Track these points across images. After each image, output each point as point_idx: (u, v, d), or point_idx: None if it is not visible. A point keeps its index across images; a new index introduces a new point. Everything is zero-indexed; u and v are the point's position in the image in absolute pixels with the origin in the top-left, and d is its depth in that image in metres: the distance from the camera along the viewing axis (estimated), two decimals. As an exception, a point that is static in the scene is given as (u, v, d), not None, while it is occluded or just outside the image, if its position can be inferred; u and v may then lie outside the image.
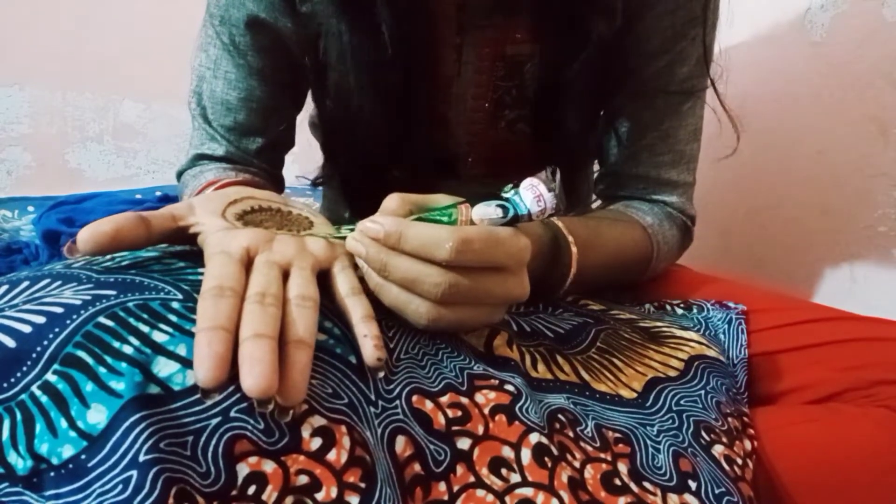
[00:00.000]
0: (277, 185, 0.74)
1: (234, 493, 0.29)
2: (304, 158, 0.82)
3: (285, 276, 0.36)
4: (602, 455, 0.40)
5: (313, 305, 0.34)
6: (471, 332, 0.44)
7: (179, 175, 0.73)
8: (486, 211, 0.40)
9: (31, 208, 1.08)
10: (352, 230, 0.41)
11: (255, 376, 0.29)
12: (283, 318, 0.33)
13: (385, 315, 0.41)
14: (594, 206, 0.79)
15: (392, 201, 0.42)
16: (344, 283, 0.38)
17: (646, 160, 0.69)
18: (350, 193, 0.72)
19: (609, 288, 0.64)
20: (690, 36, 0.64)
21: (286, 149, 0.74)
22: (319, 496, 0.30)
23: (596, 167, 0.79)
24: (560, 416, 0.41)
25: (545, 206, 0.40)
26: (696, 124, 0.69)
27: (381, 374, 0.36)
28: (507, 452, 0.37)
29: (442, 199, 0.43)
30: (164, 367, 0.31)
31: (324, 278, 0.39)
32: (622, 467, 0.40)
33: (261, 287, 0.34)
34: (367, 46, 0.59)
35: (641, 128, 0.68)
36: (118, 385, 0.29)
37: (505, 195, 0.41)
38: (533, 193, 0.40)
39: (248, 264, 0.36)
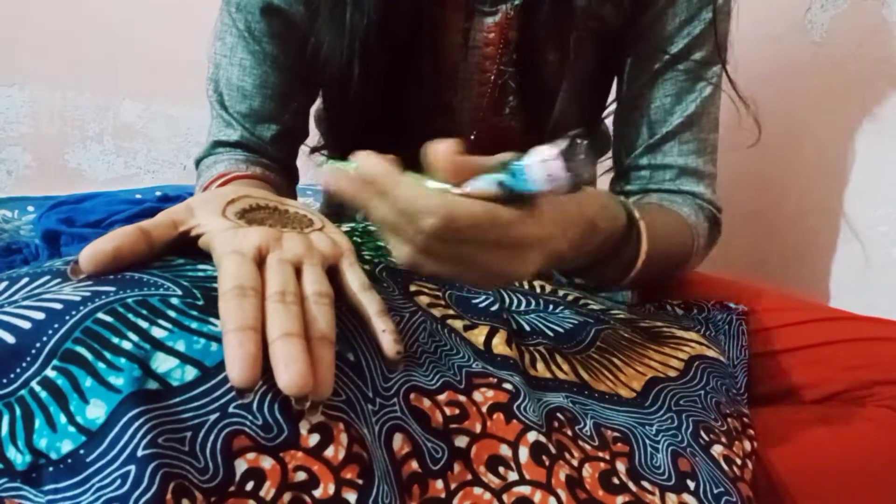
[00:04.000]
0: (291, 176, 0.74)
1: (232, 488, 0.29)
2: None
3: (297, 273, 0.36)
4: (600, 454, 0.40)
5: (329, 302, 0.35)
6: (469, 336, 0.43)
7: (198, 162, 0.73)
8: (484, 188, 0.36)
9: (31, 208, 1.08)
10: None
11: (292, 374, 0.29)
12: (303, 315, 0.33)
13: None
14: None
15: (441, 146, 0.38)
16: (354, 279, 0.39)
17: (671, 149, 0.67)
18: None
19: (650, 286, 0.63)
20: (706, 19, 0.64)
21: (301, 138, 0.74)
22: (317, 493, 0.30)
23: (604, 166, 0.78)
24: (559, 414, 0.41)
25: (558, 184, 0.34)
26: (715, 114, 0.69)
27: (400, 368, 0.36)
28: (505, 451, 0.37)
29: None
30: (162, 363, 0.31)
31: (330, 275, 0.39)
32: (620, 466, 0.40)
33: (280, 286, 0.34)
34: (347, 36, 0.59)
35: (664, 114, 0.67)
36: (117, 380, 0.29)
37: (511, 165, 0.36)
38: (545, 171, 0.34)
39: (259, 263, 0.36)
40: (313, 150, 0.75)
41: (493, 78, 0.65)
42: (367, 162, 0.39)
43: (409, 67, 0.62)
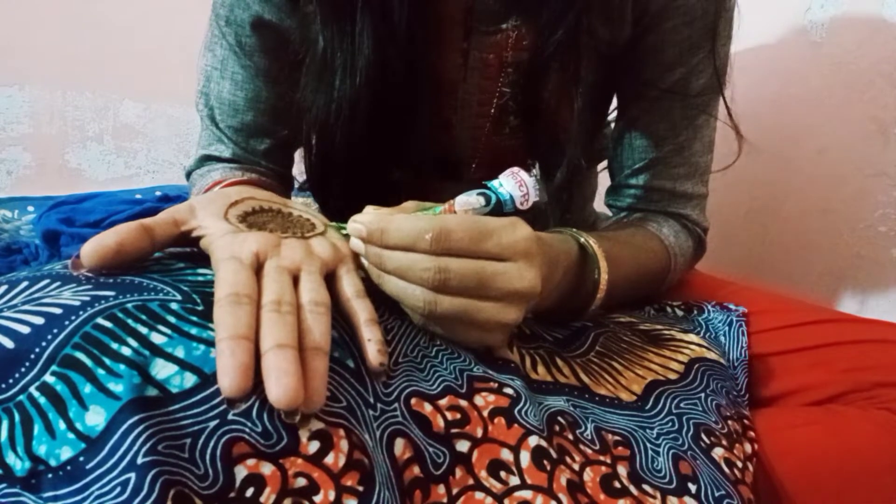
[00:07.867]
0: (286, 184, 0.74)
1: (232, 495, 0.29)
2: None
3: (294, 280, 0.36)
4: (601, 458, 0.40)
5: (326, 311, 0.35)
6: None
7: (188, 175, 0.73)
8: (468, 200, 0.42)
9: (31, 208, 1.08)
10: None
11: (282, 388, 0.29)
12: (298, 324, 0.33)
13: (386, 318, 0.41)
14: (604, 218, 0.79)
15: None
16: (349, 285, 0.39)
17: (661, 172, 0.68)
18: (339, 197, 0.71)
19: (625, 304, 0.63)
20: (707, 48, 0.63)
21: (295, 147, 0.74)
22: (317, 499, 0.30)
23: (601, 169, 0.78)
24: (559, 418, 0.41)
25: (527, 191, 0.41)
26: (710, 136, 0.69)
27: (382, 379, 0.36)
28: (506, 455, 0.37)
29: None
30: (162, 369, 0.31)
31: (328, 280, 0.39)
32: (622, 470, 0.40)
33: (276, 295, 0.34)
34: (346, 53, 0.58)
35: (657, 140, 0.67)
36: (116, 387, 0.29)
37: (486, 183, 0.42)
38: (514, 180, 0.41)
39: (257, 269, 0.36)
40: (301, 186, 0.74)
41: (493, 99, 0.64)
42: (354, 221, 0.41)
43: (409, 87, 0.61)
